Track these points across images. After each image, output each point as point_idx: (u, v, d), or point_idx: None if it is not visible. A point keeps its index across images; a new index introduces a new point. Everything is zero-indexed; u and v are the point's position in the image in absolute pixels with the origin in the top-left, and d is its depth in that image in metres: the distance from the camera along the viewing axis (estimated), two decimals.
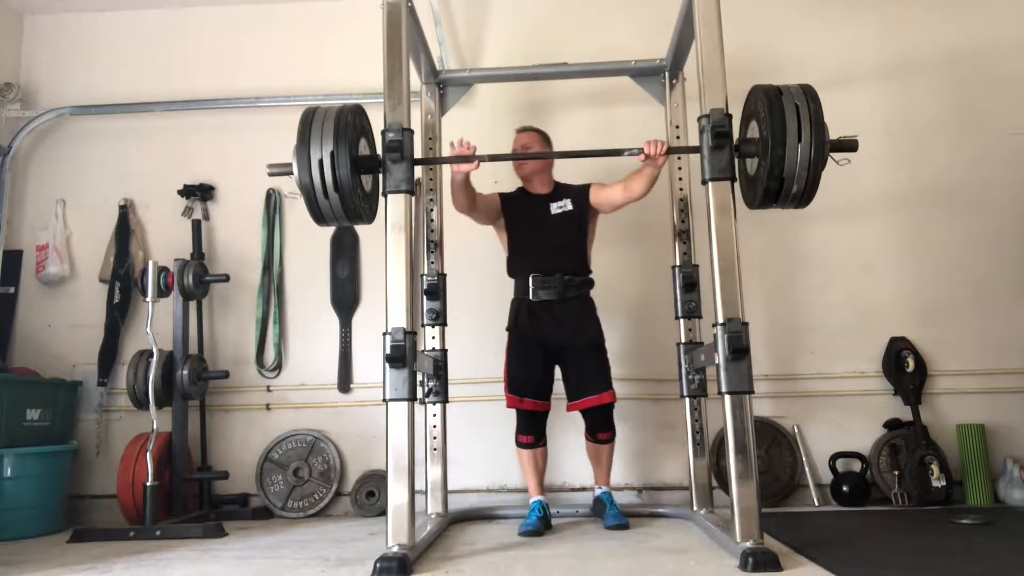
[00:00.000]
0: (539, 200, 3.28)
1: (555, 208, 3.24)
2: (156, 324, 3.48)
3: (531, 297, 3.16)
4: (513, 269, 3.29)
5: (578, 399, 3.18)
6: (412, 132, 2.71)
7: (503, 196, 3.33)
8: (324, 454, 3.86)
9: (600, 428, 3.19)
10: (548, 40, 4.05)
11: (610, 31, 4.08)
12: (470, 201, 3.14)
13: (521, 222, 3.26)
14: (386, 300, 2.61)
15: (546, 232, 3.21)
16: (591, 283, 3.27)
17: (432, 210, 3.48)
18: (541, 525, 2.99)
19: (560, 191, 3.29)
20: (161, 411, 3.49)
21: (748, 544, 2.37)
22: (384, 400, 2.55)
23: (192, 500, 3.71)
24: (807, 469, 3.68)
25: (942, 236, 3.87)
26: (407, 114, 2.71)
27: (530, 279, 3.16)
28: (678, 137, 3.50)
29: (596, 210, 3.27)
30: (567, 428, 3.54)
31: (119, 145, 4.20)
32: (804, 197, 2.64)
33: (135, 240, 4.09)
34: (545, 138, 3.36)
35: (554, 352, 3.18)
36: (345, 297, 4.01)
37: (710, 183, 2.62)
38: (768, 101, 2.59)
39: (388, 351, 2.54)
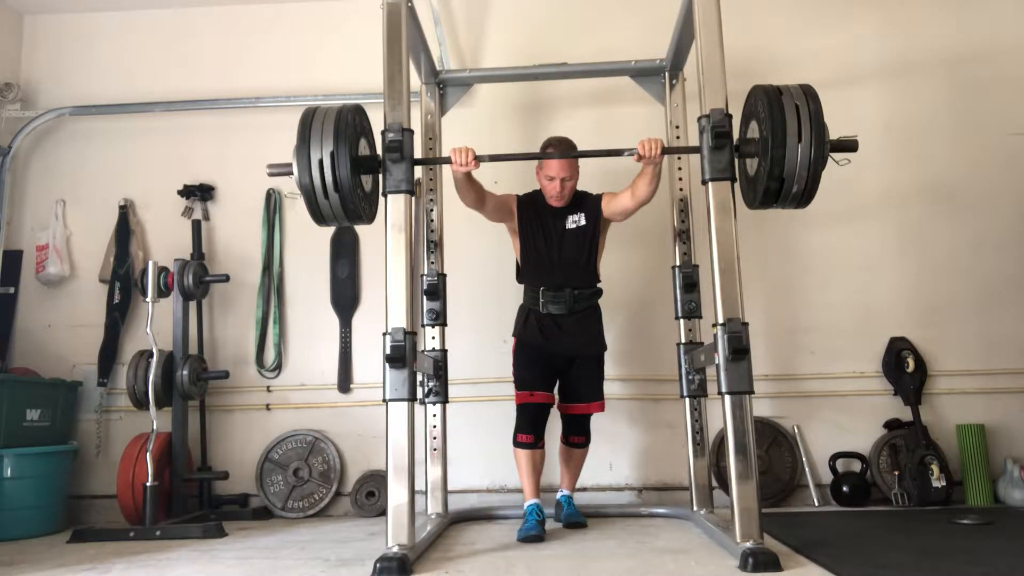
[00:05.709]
0: (555, 211, 3.21)
1: (570, 223, 3.20)
2: (156, 324, 3.49)
3: (540, 309, 3.17)
4: (523, 277, 3.29)
5: (570, 403, 3.25)
6: (412, 132, 2.71)
7: (520, 200, 3.28)
8: (324, 454, 3.85)
9: (575, 432, 3.28)
10: (548, 40, 4.05)
11: (610, 31, 4.08)
12: (476, 197, 3.12)
13: (535, 234, 3.22)
14: (386, 300, 2.61)
15: (559, 248, 3.19)
16: (599, 293, 3.27)
17: (432, 210, 3.48)
18: (541, 529, 2.96)
19: (577, 202, 3.22)
20: (161, 411, 3.49)
21: (748, 544, 2.37)
22: (384, 400, 2.56)
23: (192, 500, 3.71)
24: (807, 469, 3.68)
25: (942, 236, 3.87)
26: (407, 114, 2.71)
27: (540, 292, 3.18)
28: (678, 137, 3.50)
29: (609, 220, 3.24)
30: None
31: (119, 145, 4.20)
32: (804, 197, 2.63)
33: (135, 240, 4.09)
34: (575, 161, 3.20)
35: (559, 359, 3.20)
36: (345, 297, 4.00)
37: (710, 183, 2.62)
38: (768, 101, 2.59)
39: (388, 351, 2.55)
